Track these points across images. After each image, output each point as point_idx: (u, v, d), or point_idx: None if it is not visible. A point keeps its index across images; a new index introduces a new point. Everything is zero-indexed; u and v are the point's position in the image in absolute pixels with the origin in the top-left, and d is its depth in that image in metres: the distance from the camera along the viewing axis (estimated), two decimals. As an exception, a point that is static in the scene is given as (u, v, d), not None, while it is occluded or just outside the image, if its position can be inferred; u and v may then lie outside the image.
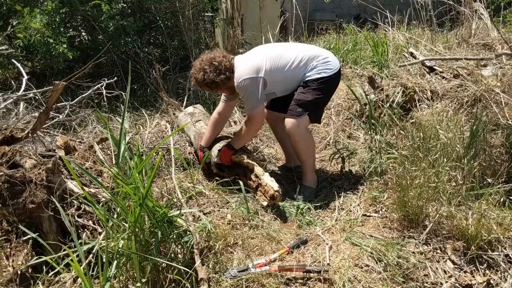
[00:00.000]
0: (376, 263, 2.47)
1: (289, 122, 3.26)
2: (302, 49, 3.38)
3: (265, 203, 3.07)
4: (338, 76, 3.40)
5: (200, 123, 3.90)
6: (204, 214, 2.90)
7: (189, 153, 3.75)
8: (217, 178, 3.34)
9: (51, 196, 2.37)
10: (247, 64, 3.25)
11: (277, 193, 3.00)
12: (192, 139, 3.82)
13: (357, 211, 3.05)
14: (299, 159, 3.46)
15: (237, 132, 3.56)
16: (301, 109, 3.24)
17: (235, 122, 5.01)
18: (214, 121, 3.55)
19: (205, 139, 3.55)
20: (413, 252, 2.55)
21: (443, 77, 4.60)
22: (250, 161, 3.30)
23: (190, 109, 4.21)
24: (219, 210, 3.01)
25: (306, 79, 3.27)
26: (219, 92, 3.42)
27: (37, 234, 2.24)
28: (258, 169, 3.23)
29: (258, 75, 3.19)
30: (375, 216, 2.97)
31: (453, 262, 2.52)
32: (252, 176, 3.25)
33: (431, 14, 6.37)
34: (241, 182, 2.99)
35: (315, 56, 3.31)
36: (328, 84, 3.31)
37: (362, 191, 3.27)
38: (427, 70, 4.84)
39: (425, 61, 4.90)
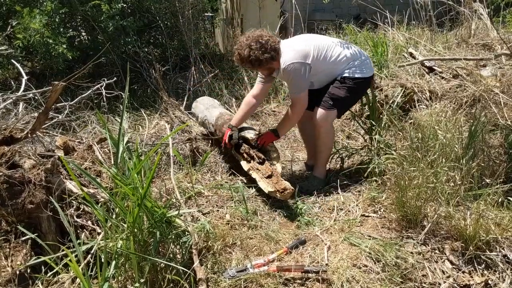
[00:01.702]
0: (375, 263, 2.47)
1: (319, 112, 3.37)
2: (347, 46, 3.47)
3: (272, 189, 3.04)
4: (371, 79, 3.51)
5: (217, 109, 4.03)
6: (203, 214, 2.90)
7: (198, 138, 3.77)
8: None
9: (50, 197, 2.37)
10: (295, 49, 3.29)
11: (291, 189, 3.04)
12: (214, 119, 3.86)
13: (356, 211, 3.06)
14: (317, 150, 3.54)
15: (281, 120, 3.59)
16: (333, 102, 3.36)
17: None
18: (248, 102, 3.58)
19: (236, 119, 3.56)
20: (412, 253, 2.55)
21: (442, 77, 4.61)
22: (277, 159, 3.40)
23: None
24: (218, 210, 3.02)
25: (345, 75, 3.37)
26: (259, 71, 3.45)
27: (36, 234, 2.24)
28: (276, 167, 3.31)
29: (306, 61, 3.25)
30: (373, 216, 2.97)
31: (451, 262, 2.52)
32: (267, 164, 3.32)
33: (430, 14, 6.37)
34: (240, 183, 2.99)
35: (357, 56, 3.42)
36: (362, 86, 3.46)
37: (361, 192, 3.27)
38: (427, 70, 4.84)
39: (424, 61, 4.90)
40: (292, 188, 3.07)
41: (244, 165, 3.35)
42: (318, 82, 3.45)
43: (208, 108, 4.07)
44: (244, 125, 3.61)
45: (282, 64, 3.26)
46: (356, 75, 3.37)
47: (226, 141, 3.45)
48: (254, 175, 3.25)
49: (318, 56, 3.31)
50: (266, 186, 3.10)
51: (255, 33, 3.29)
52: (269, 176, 3.19)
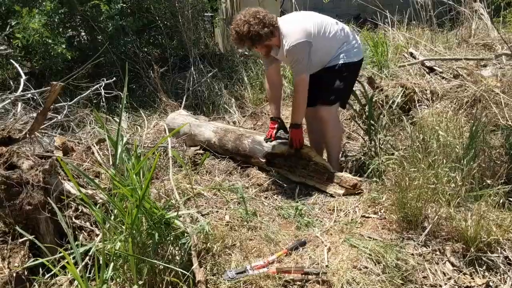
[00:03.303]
0: (375, 265, 2.45)
1: (324, 109, 3.40)
2: (342, 26, 3.47)
3: (341, 191, 3.22)
4: (362, 62, 3.55)
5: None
6: (202, 215, 2.88)
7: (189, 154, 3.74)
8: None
9: (48, 198, 2.36)
10: (297, 28, 3.25)
11: (360, 182, 3.22)
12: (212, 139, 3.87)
13: (356, 212, 3.04)
14: (328, 146, 3.58)
15: (293, 110, 3.48)
16: (334, 96, 3.39)
17: (234, 123, 5.01)
18: (269, 92, 3.64)
19: (272, 111, 3.60)
20: (412, 254, 2.53)
21: (443, 78, 4.60)
22: (318, 157, 3.44)
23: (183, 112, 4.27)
24: (217, 211, 3.00)
25: (340, 62, 3.35)
26: (257, 48, 3.36)
27: (33, 236, 2.23)
28: (327, 165, 3.38)
29: (309, 39, 3.22)
30: (374, 218, 2.95)
31: (452, 264, 2.50)
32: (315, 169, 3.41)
33: (431, 14, 6.36)
34: (239, 184, 2.98)
35: (351, 38, 3.44)
36: (356, 69, 3.50)
37: (361, 192, 3.26)
38: (427, 70, 4.83)
39: (425, 61, 4.90)
40: (360, 179, 3.23)
41: (295, 178, 3.47)
42: (315, 63, 3.37)
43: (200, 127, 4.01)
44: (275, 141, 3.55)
45: (286, 45, 3.20)
46: (350, 60, 3.36)
47: (273, 135, 3.50)
48: (311, 183, 3.38)
49: (318, 33, 3.28)
50: (334, 189, 3.25)
51: (250, 9, 3.24)
52: (328, 178, 3.32)
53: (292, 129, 3.42)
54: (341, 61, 3.34)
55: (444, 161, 2.81)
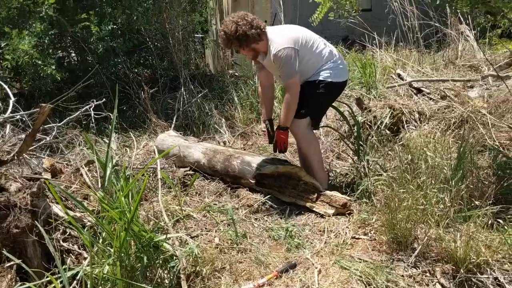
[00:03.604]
0: (366, 287, 2.44)
1: (292, 122, 3.40)
2: (329, 45, 3.53)
3: (331, 211, 3.22)
4: (345, 84, 3.56)
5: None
6: (191, 237, 2.86)
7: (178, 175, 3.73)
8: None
9: (36, 221, 2.33)
10: (285, 34, 3.34)
11: (349, 201, 3.23)
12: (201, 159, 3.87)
13: (346, 233, 3.03)
14: (306, 158, 3.55)
15: (282, 111, 3.46)
16: (304, 111, 3.38)
17: (224, 143, 5.01)
18: (261, 94, 3.72)
19: (264, 113, 3.69)
20: (402, 276, 2.53)
21: (431, 98, 4.66)
22: (308, 177, 3.43)
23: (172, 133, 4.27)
24: (207, 233, 2.98)
25: (320, 78, 3.37)
26: (244, 51, 3.42)
27: (21, 259, 2.19)
28: (317, 185, 3.39)
29: (295, 46, 3.27)
30: (364, 239, 2.95)
31: (442, 285, 2.49)
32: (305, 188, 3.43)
33: (418, 36, 6.47)
34: (229, 205, 2.97)
35: (336, 57, 3.46)
36: (334, 90, 3.47)
37: (351, 213, 3.26)
38: (415, 91, 4.89)
39: (412, 83, 4.95)
40: (349, 198, 3.24)
41: (285, 198, 3.47)
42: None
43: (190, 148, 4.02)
44: (256, 161, 3.56)
45: (273, 50, 3.27)
46: (330, 79, 3.37)
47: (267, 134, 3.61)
48: (301, 203, 3.38)
49: (305, 44, 3.34)
50: (324, 209, 3.26)
51: (240, 13, 3.33)
52: (317, 198, 3.33)
53: (278, 130, 3.45)
54: (320, 77, 3.38)
55: (433, 182, 2.82)
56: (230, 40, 3.29)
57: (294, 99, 3.34)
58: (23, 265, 2.16)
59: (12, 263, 2.29)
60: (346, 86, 3.63)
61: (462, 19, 6.80)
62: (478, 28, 6.79)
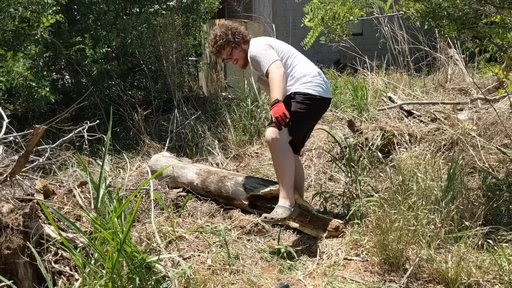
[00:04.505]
0: (358, 308, 2.45)
1: (268, 131, 3.22)
2: (308, 61, 3.49)
3: (324, 234, 3.25)
4: (326, 102, 3.39)
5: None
6: (184, 259, 2.85)
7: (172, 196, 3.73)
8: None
9: (28, 242, 2.32)
10: (260, 40, 3.52)
11: (342, 225, 3.24)
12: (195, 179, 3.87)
13: (339, 254, 3.04)
14: (276, 175, 3.33)
15: (271, 89, 3.25)
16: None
17: (217, 164, 5.03)
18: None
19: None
20: (394, 297, 2.53)
21: (421, 121, 4.72)
22: (301, 199, 3.38)
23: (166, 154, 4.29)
24: (199, 255, 2.98)
25: (295, 90, 3.28)
26: (233, 56, 3.54)
27: (11, 281, 2.18)
28: (310, 207, 3.38)
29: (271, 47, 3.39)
30: (356, 260, 2.96)
31: (434, 306, 2.51)
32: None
33: (408, 59, 6.60)
34: (222, 226, 2.97)
35: (315, 73, 3.37)
36: (313, 103, 3.27)
37: (343, 234, 3.27)
38: (405, 114, 4.96)
39: (403, 105, 5.03)
40: (342, 222, 3.24)
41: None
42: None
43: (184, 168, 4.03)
44: (249, 182, 3.60)
45: (249, 53, 3.42)
46: (305, 90, 3.26)
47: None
48: (294, 225, 3.38)
49: (283, 56, 3.37)
50: (317, 232, 3.28)
51: (228, 23, 3.58)
52: (310, 220, 3.33)
53: (273, 106, 3.16)
54: (296, 90, 3.29)
55: (424, 203, 2.86)
56: (216, 43, 3.46)
57: (278, 75, 3.21)
58: (14, 287, 2.15)
59: (2, 284, 2.28)
60: (328, 106, 3.52)
61: (451, 44, 6.95)
62: (467, 53, 6.93)
